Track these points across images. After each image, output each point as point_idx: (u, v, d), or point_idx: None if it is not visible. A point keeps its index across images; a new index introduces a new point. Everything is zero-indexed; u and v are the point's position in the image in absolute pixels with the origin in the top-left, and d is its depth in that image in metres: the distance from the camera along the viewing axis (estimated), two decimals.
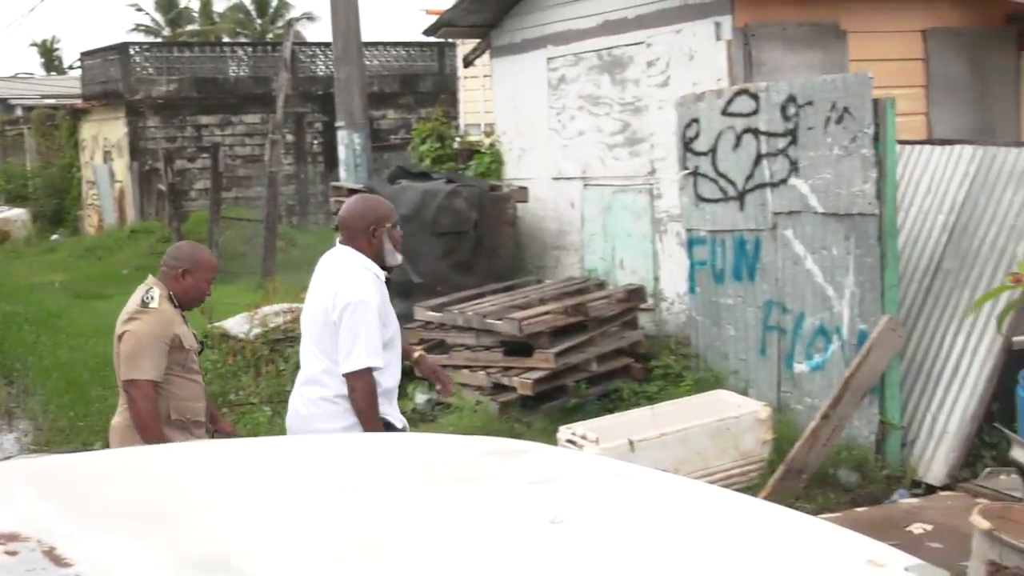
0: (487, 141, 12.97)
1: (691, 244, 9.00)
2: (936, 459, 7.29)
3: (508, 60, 12.15)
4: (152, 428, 5.11)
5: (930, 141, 8.71)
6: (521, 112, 12.03)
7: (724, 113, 8.42)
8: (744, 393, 8.27)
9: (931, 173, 8.15)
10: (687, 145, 8.85)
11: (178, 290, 5.33)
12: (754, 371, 8.45)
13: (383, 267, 5.05)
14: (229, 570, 2.05)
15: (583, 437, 7.15)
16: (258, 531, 2.28)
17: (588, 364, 9.20)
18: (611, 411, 8.38)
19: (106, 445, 6.05)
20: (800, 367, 8.01)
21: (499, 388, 9.07)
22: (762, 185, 8.16)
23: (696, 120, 8.72)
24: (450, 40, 17.52)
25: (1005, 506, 5.33)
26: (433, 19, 13.13)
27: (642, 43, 10.11)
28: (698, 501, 2.59)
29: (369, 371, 4.90)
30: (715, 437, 7.25)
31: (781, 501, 6.99)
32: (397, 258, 5.10)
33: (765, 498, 7.02)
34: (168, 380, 5.23)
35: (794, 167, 7.86)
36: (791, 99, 7.83)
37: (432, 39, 15.18)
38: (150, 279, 5.41)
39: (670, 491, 2.67)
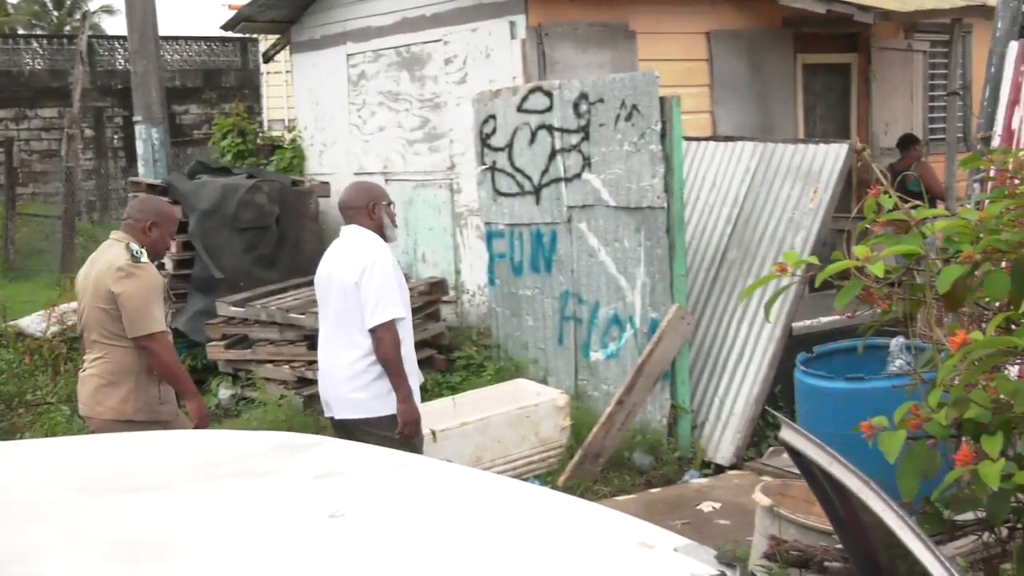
0: (289, 136, 12.70)
1: (490, 237, 8.99)
2: (724, 440, 7.47)
3: (308, 56, 11.90)
4: (180, 373, 5.32)
5: (714, 138, 8.93)
6: (322, 107, 11.81)
7: (519, 110, 8.43)
8: (543, 382, 8.31)
9: (716, 168, 8.35)
10: (484, 141, 8.83)
11: (146, 243, 5.34)
12: (552, 360, 8.50)
13: (384, 239, 5.48)
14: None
15: None
16: (34, 533, 2.15)
17: None
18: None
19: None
20: (596, 355, 8.10)
21: (304, 382, 8.93)
22: (557, 180, 8.21)
23: (493, 116, 8.70)
24: (252, 35, 17.10)
25: (784, 483, 5.49)
26: (234, 14, 12.75)
27: (440, 40, 10.04)
28: (478, 490, 2.57)
29: (392, 323, 5.23)
30: (515, 425, 7.27)
31: (579, 485, 7.06)
32: (395, 232, 5.60)
33: (564, 482, 7.08)
34: None
35: (587, 162, 7.93)
36: (583, 96, 7.89)
37: (235, 34, 14.77)
38: (118, 234, 5.38)
39: (451, 481, 2.64)
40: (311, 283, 10.13)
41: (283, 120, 15.66)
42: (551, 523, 2.32)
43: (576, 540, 2.23)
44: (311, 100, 12.01)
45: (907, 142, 11.06)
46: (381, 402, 5.31)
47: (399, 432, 5.30)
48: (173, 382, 5.30)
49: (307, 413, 8.64)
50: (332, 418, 5.55)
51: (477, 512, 2.36)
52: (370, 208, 5.45)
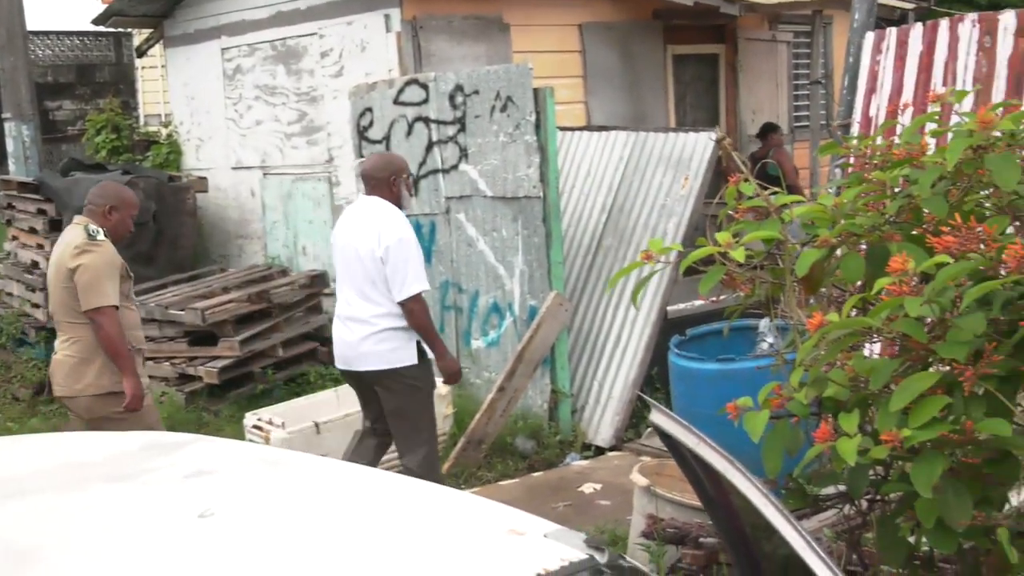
0: (165, 132, 12.42)
1: None
2: (603, 423, 7.54)
3: (182, 50, 11.64)
4: (122, 350, 5.35)
5: (588, 128, 8.99)
6: (198, 102, 11.57)
7: (396, 102, 8.37)
8: None
9: (590, 157, 8.41)
10: (362, 133, 8.75)
11: (107, 226, 5.46)
12: None
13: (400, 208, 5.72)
14: None
15: (269, 422, 6.98)
16: None
17: (274, 350, 9.03)
18: (299, 395, 8.23)
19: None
20: (477, 343, 8.10)
21: (185, 378, 8.78)
22: (435, 171, 8.17)
23: (370, 109, 8.62)
24: (126, 30, 16.66)
25: (661, 463, 5.55)
26: (105, 8, 12.39)
27: (315, 34, 9.91)
28: (349, 485, 2.54)
29: (420, 294, 5.57)
30: None
31: (463, 471, 7.06)
32: (412, 203, 6.07)
33: (448, 469, 7.06)
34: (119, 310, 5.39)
35: (464, 153, 7.91)
36: (459, 89, 7.87)
37: (108, 29, 14.36)
38: (80, 218, 5.50)
39: (322, 476, 2.61)
40: (190, 279, 10.08)
41: (159, 115, 15.31)
42: (422, 515, 2.30)
43: (447, 530, 2.22)
44: (186, 95, 11.75)
45: (766, 130, 11.30)
46: (400, 353, 5.61)
47: (445, 381, 5.97)
48: (114, 357, 5.36)
49: (189, 409, 8.49)
50: (347, 371, 5.87)
51: (348, 507, 2.34)
52: (391, 180, 5.69)
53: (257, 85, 10.72)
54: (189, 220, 10.74)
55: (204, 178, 11.09)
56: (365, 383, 5.79)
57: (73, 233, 5.46)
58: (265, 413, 7.17)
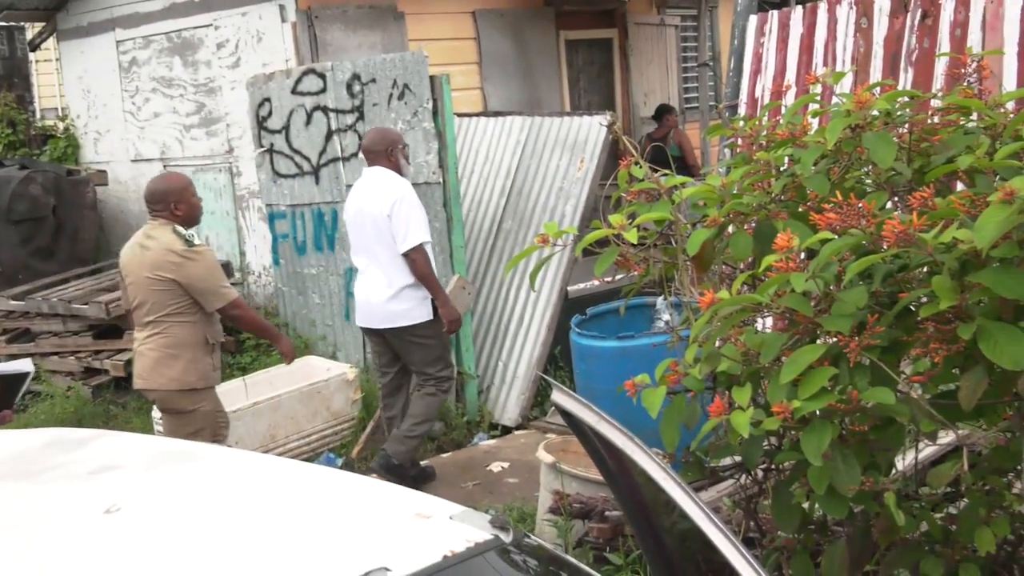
0: (62, 125, 12.08)
1: (272, 219, 8.79)
2: (509, 402, 7.55)
3: (76, 43, 11.31)
4: (265, 324, 6.03)
5: (485, 113, 8.97)
6: (94, 95, 11.27)
7: (294, 92, 8.25)
8: (333, 357, 8.21)
9: (488, 142, 8.39)
10: (261, 124, 8.61)
11: (183, 219, 5.51)
12: (340, 335, 8.40)
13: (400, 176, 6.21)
14: None
15: None
16: None
17: None
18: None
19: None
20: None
21: (91, 372, 8.61)
22: (335, 159, 8.08)
23: (268, 99, 8.49)
24: (19, 23, 16.14)
25: (565, 440, 5.57)
26: None
27: (211, 25, 9.71)
28: (256, 475, 2.50)
29: (421, 245, 6.04)
30: (306, 401, 7.15)
31: (373, 455, 7.01)
32: (410, 170, 6.46)
33: (358, 453, 7.03)
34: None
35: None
36: (355, 77, 7.78)
37: (1, 23, 13.90)
38: (156, 223, 5.49)
39: (228, 467, 2.57)
40: (93, 272, 9.85)
41: (56, 109, 14.91)
42: (329, 502, 2.28)
43: (355, 516, 2.20)
44: (82, 88, 11.44)
45: (662, 112, 11.40)
46: (417, 311, 6.16)
47: (447, 330, 6.28)
48: (262, 333, 5.98)
49: (96, 403, 8.30)
50: (368, 329, 6.41)
51: (254, 497, 2.30)
52: (388, 151, 6.20)
53: (154, 77, 10.48)
54: (89, 214, 10.49)
55: (103, 171, 10.86)
56: (384, 338, 6.34)
57: (165, 237, 5.43)
58: None
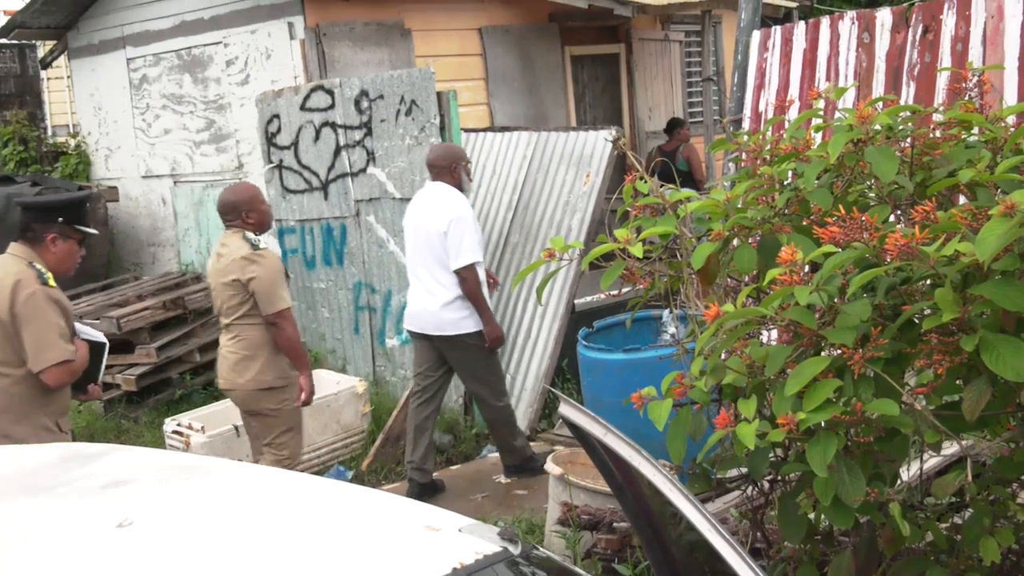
0: (73, 142, 12.13)
1: (281, 234, 8.82)
2: (517, 415, 7.53)
3: (87, 61, 11.38)
4: (300, 350, 5.77)
5: (491, 129, 8.98)
6: (105, 112, 11.33)
7: (303, 108, 8.29)
8: (342, 370, 8.23)
9: (495, 158, 8.41)
10: (270, 140, 8.65)
11: (255, 226, 5.71)
12: (350, 349, 8.42)
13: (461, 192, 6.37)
14: None
15: (189, 427, 6.89)
16: None
17: (191, 355, 8.89)
18: (217, 399, 8.07)
19: None
20: (391, 342, 8.06)
21: (103, 386, 8.53)
22: (343, 175, 8.12)
23: (277, 116, 8.53)
24: (30, 42, 16.22)
25: (573, 452, 5.58)
26: (7, 20, 12.05)
27: (220, 43, 9.77)
28: (266, 489, 2.51)
29: (473, 265, 6.22)
30: (316, 414, 7.15)
31: (383, 467, 7.03)
32: (471, 186, 6.70)
33: (367, 466, 7.03)
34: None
35: (371, 157, 7.87)
36: (363, 94, 7.82)
37: (10, 40, 13.95)
38: (229, 232, 5.69)
39: (238, 481, 2.57)
40: (104, 288, 9.87)
41: (67, 126, 14.97)
42: (340, 515, 2.29)
43: (365, 530, 2.21)
44: (93, 105, 11.50)
45: (673, 125, 11.43)
46: (467, 322, 6.30)
47: (488, 345, 6.37)
48: (293, 356, 5.70)
49: (108, 417, 8.32)
50: (415, 332, 6.55)
51: (266, 511, 2.31)
52: (452, 167, 6.32)
53: (164, 94, 10.53)
54: (101, 229, 10.50)
55: (115, 188, 10.90)
56: (432, 344, 6.47)
57: (235, 243, 5.63)
58: (184, 418, 7.07)
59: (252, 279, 5.51)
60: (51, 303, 4.65)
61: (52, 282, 4.68)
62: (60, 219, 4.79)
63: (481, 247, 6.37)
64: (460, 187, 6.36)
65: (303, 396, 5.77)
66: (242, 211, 5.67)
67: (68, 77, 13.34)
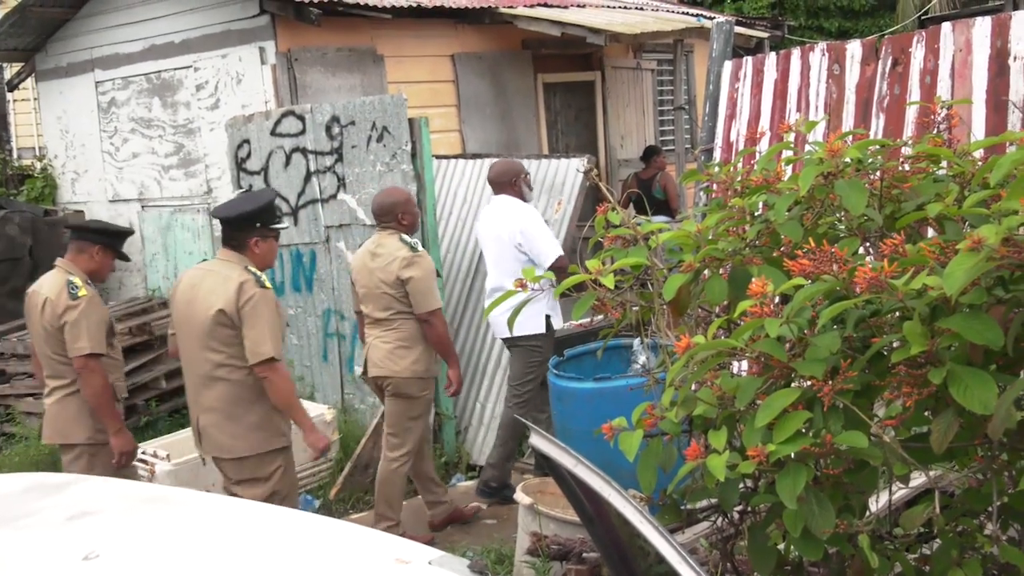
0: (40, 165, 12.06)
1: None
2: (487, 443, 7.54)
3: (55, 84, 11.34)
4: (451, 345, 6.47)
5: (463, 155, 9.02)
6: (72, 136, 11.28)
7: (273, 133, 8.29)
8: (311, 398, 8.20)
9: (466, 184, 8.44)
10: (240, 165, 8.64)
11: (408, 227, 6.26)
12: (319, 376, 8.39)
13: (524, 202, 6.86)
14: None
15: (154, 455, 6.83)
16: None
17: (157, 382, 8.85)
18: (183, 426, 8.03)
19: None
20: (359, 369, 8.03)
21: None
22: (314, 201, 8.11)
23: (247, 141, 8.52)
24: None
25: (543, 481, 5.58)
26: None
27: (190, 67, 9.76)
28: (233, 520, 2.49)
29: (564, 255, 6.67)
30: None
31: (351, 496, 6.99)
32: (531, 196, 7.12)
33: (335, 494, 6.99)
34: None
35: (342, 183, 7.87)
36: (335, 119, 7.83)
37: None
38: (384, 233, 6.20)
39: (205, 512, 2.56)
40: None
41: (33, 148, 14.88)
42: (309, 548, 2.28)
43: (334, 563, 2.20)
44: (60, 128, 11.45)
45: (650, 153, 11.47)
46: (532, 323, 6.63)
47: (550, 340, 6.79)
48: (444, 352, 6.24)
49: None
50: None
51: (233, 542, 2.30)
52: (513, 181, 6.85)
53: (133, 118, 10.50)
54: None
55: (81, 212, 10.85)
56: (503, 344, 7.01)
57: (393, 244, 6.11)
58: (150, 446, 7.01)
59: (410, 279, 6.01)
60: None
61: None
62: (258, 224, 5.14)
63: (558, 242, 6.86)
64: (523, 198, 6.84)
65: (454, 387, 6.39)
66: (397, 213, 6.17)
67: (35, 99, 13.29)
